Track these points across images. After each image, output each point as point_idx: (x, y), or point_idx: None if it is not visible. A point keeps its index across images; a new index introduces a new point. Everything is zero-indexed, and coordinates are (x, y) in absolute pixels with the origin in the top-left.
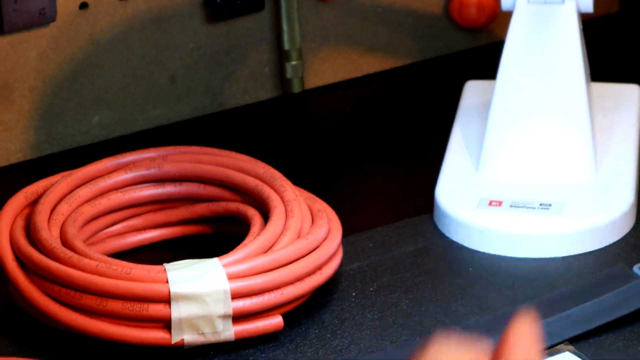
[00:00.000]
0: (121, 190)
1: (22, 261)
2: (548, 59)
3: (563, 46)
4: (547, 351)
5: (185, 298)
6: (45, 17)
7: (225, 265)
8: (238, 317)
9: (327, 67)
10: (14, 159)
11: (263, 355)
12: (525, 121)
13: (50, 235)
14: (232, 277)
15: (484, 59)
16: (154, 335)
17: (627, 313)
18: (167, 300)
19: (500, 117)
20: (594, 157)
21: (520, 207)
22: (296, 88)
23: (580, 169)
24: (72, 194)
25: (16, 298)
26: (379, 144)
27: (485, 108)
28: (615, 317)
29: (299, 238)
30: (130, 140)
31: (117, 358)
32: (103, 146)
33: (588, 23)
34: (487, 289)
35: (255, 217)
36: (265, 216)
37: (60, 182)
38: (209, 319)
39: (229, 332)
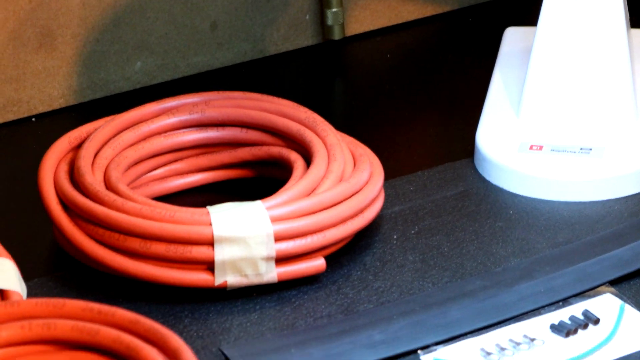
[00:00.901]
0: (164, 134)
1: (66, 205)
2: (589, 5)
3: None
4: (587, 293)
5: (229, 240)
6: None
7: (269, 208)
8: (281, 259)
9: (368, 14)
10: (56, 105)
11: (305, 297)
12: (566, 66)
13: (94, 179)
14: (275, 220)
15: (524, 6)
16: (197, 277)
17: None
18: (210, 242)
19: (541, 62)
20: (634, 101)
21: (561, 151)
22: (337, 35)
23: (621, 114)
24: (115, 138)
25: (60, 241)
26: (419, 90)
27: (525, 54)
28: None
29: (342, 181)
30: (171, 87)
31: (160, 300)
32: (145, 92)
33: None
34: (527, 232)
35: (298, 161)
36: (308, 160)
37: (104, 126)
38: (252, 261)
39: (271, 274)
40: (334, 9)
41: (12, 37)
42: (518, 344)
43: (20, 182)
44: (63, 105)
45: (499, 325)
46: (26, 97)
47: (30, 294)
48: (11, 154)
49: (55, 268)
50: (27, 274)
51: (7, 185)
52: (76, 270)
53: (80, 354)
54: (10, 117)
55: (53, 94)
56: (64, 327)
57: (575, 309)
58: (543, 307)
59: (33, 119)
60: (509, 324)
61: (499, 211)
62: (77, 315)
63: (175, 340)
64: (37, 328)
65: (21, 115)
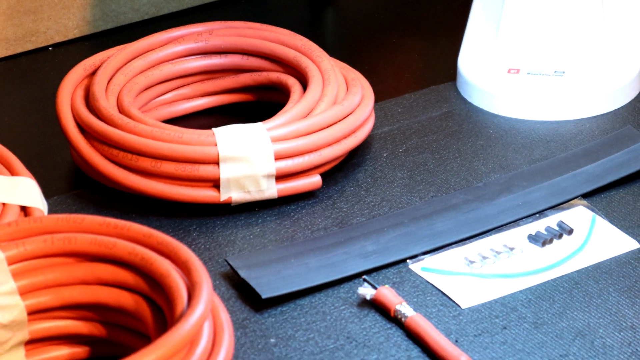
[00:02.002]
0: (171, 62)
1: (83, 128)
2: None
3: None
4: (562, 206)
5: (233, 159)
6: None
7: (269, 129)
8: (280, 177)
9: None
10: (71, 35)
11: (303, 211)
12: None
13: (108, 103)
14: (275, 140)
15: None
16: (205, 193)
17: (636, 170)
18: (216, 161)
19: None
20: (603, 29)
21: (536, 74)
22: None
23: (591, 40)
24: (126, 65)
25: (77, 162)
26: (405, 19)
27: None
28: (624, 175)
29: (335, 104)
30: (177, 17)
31: (170, 215)
32: (152, 23)
33: None
34: (506, 150)
35: (295, 86)
36: (304, 85)
37: (116, 55)
38: (254, 179)
39: (272, 190)
40: None
41: None
42: (498, 252)
43: (39, 107)
44: (77, 36)
45: (481, 236)
46: (43, 28)
47: (51, 210)
48: (30, 82)
49: (73, 187)
50: (47, 193)
51: (27, 110)
52: (92, 188)
53: (99, 265)
54: (29, 46)
55: (68, 25)
56: (83, 241)
57: (551, 221)
58: (521, 218)
59: (50, 48)
60: (490, 234)
61: (479, 130)
62: (95, 230)
63: (185, 252)
64: (58, 242)
65: (39, 45)
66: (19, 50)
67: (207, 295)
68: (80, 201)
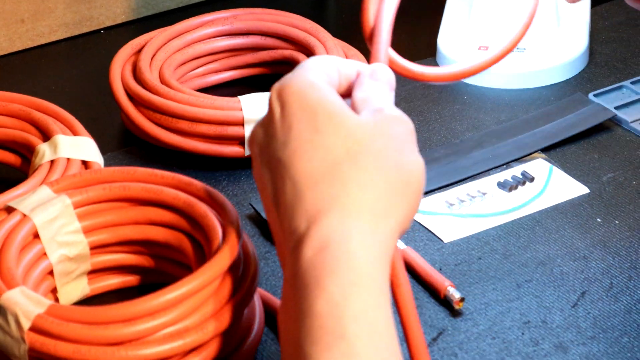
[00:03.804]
0: (203, 42)
1: (131, 96)
2: None
3: None
4: (525, 158)
5: (255, 121)
6: None
7: None
8: None
9: None
10: (119, 20)
11: None
12: None
13: (152, 76)
14: None
15: None
16: (232, 149)
17: (584, 129)
18: (241, 123)
19: None
20: (556, 13)
21: None
22: None
23: (547, 22)
24: (166, 45)
25: (127, 124)
26: None
27: None
28: (575, 132)
29: None
30: (206, 5)
31: (204, 168)
32: (186, 9)
33: None
34: (478, 113)
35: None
36: None
37: (157, 36)
38: None
39: None
40: None
41: None
42: (473, 197)
43: (94, 80)
44: (124, 21)
45: (458, 183)
46: (96, 14)
47: (106, 164)
48: (86, 59)
49: (123, 145)
50: (102, 149)
51: (84, 83)
52: (139, 146)
53: (148, 208)
54: (84, 30)
55: (117, 11)
56: (136, 189)
57: (516, 170)
58: (491, 169)
59: (102, 32)
60: (466, 182)
61: (456, 97)
62: (145, 179)
63: (220, 197)
64: (115, 189)
65: (92, 29)
66: (76, 33)
67: (238, 232)
68: (129, 156)
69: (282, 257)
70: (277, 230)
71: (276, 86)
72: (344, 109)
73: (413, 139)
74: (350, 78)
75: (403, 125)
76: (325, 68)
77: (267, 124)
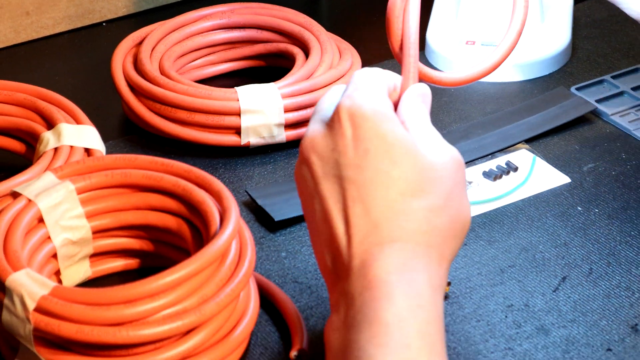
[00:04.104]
0: (201, 34)
1: (132, 86)
2: None
3: None
4: (509, 149)
5: (251, 112)
6: None
7: (279, 88)
8: (288, 125)
9: None
10: (121, 13)
11: None
12: None
13: (152, 67)
14: (284, 97)
15: None
16: (229, 138)
17: (566, 121)
18: (238, 113)
19: None
20: (541, 9)
21: (488, 45)
22: None
23: (532, 18)
24: (166, 37)
25: (128, 113)
26: (384, 0)
27: None
28: (557, 124)
29: (331, 68)
30: None
31: (202, 156)
32: (185, 3)
33: None
34: (464, 105)
35: (299, 54)
36: (306, 53)
37: (157, 29)
38: (268, 127)
39: (282, 136)
40: None
41: None
42: None
43: (96, 71)
44: (125, 14)
45: None
46: (98, 7)
47: (108, 152)
48: (88, 50)
49: (124, 133)
50: (104, 137)
51: (87, 73)
52: (140, 134)
53: (149, 194)
54: (87, 22)
55: (118, 5)
56: (137, 175)
57: (500, 160)
58: (477, 159)
59: (103, 24)
60: None
61: (444, 90)
62: (146, 167)
63: (217, 184)
64: (117, 176)
65: (95, 21)
66: (79, 25)
67: (235, 218)
68: (130, 144)
69: (334, 262)
70: (328, 239)
71: (346, 106)
72: (416, 145)
73: (465, 182)
74: (391, 89)
75: (462, 170)
76: (381, 85)
77: (333, 138)
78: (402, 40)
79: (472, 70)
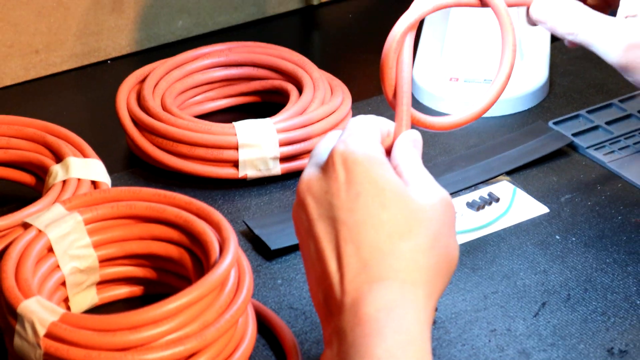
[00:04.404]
0: (201, 72)
1: (136, 121)
2: None
3: None
4: (491, 180)
5: (249, 145)
6: None
7: (275, 123)
8: (283, 159)
9: None
10: (124, 51)
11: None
12: (474, 23)
13: (154, 103)
14: (279, 131)
15: None
16: (227, 171)
17: (545, 154)
18: (236, 147)
19: (457, 20)
20: (520, 47)
21: (471, 81)
22: (315, 1)
23: None
24: (168, 75)
25: (131, 147)
26: (371, 39)
27: (444, 14)
28: (536, 157)
29: (323, 104)
30: (203, 38)
31: (201, 188)
32: (185, 42)
33: None
34: (449, 138)
35: (293, 91)
36: (300, 90)
37: (159, 67)
38: (264, 160)
39: (277, 169)
40: None
41: (94, 4)
42: None
43: (101, 106)
44: (129, 52)
45: None
46: (103, 46)
47: (113, 184)
48: (94, 87)
49: (128, 166)
50: (110, 170)
51: (93, 109)
52: (143, 167)
53: (152, 225)
54: (93, 60)
55: (122, 43)
56: (141, 207)
57: (483, 192)
58: (461, 190)
59: (108, 62)
60: None
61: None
62: (150, 199)
63: (217, 215)
64: (122, 208)
65: (100, 59)
66: (85, 63)
67: (234, 248)
68: (134, 177)
69: (326, 298)
70: (322, 276)
71: (340, 150)
72: (406, 188)
73: (454, 223)
74: (384, 134)
75: (451, 211)
76: (375, 132)
77: (327, 182)
78: (395, 89)
79: (462, 114)
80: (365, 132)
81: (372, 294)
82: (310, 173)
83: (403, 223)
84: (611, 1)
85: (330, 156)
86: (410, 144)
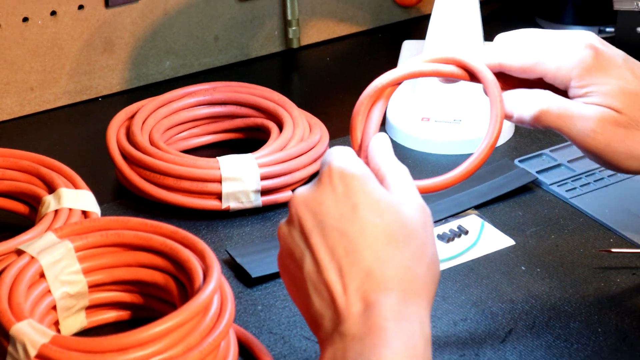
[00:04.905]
0: (187, 109)
1: (125, 155)
2: (458, 29)
3: (465, 25)
4: (460, 214)
5: (231, 179)
6: None
7: (256, 158)
8: (264, 192)
9: (315, 32)
10: (115, 89)
11: (280, 216)
12: None
13: (143, 138)
14: (260, 166)
15: (416, 26)
16: (211, 203)
17: (511, 190)
18: (219, 180)
19: None
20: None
21: (441, 121)
22: (295, 45)
23: (478, 98)
24: (155, 112)
25: (121, 180)
26: (347, 81)
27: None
28: (503, 192)
29: (302, 141)
30: (189, 78)
31: (186, 218)
32: (172, 82)
33: None
34: (420, 175)
35: (274, 128)
36: (280, 127)
37: (148, 104)
38: (246, 193)
39: (258, 201)
40: (294, 28)
41: (86, 45)
42: None
43: (92, 141)
44: (119, 90)
45: None
46: (95, 84)
47: (102, 214)
48: (86, 123)
49: (117, 197)
50: (99, 200)
51: (84, 143)
52: (131, 199)
53: (139, 253)
54: (85, 97)
55: (112, 82)
56: (129, 235)
57: (452, 225)
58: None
59: (99, 99)
60: None
61: (401, 161)
62: (137, 228)
63: (201, 244)
64: (111, 236)
65: (92, 97)
66: (78, 100)
67: (217, 275)
68: (122, 207)
69: (325, 309)
70: (322, 286)
71: (337, 166)
72: (395, 200)
73: (433, 230)
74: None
75: (430, 219)
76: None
77: (322, 195)
78: (360, 146)
79: (448, 175)
80: (351, 153)
81: (380, 303)
82: (305, 189)
83: (397, 232)
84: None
85: (328, 171)
86: (384, 144)
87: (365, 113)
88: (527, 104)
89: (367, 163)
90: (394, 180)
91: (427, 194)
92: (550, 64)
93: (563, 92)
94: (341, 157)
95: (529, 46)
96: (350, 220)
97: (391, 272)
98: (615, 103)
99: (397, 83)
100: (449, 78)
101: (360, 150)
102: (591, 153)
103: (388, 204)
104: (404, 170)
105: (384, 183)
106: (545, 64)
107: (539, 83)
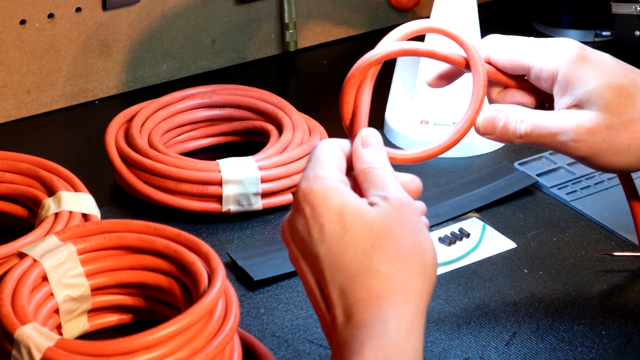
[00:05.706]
0: (185, 112)
1: (124, 158)
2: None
3: (462, 28)
4: (461, 217)
5: (232, 182)
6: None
7: (256, 161)
8: (264, 194)
9: (312, 35)
10: (112, 92)
11: (280, 219)
12: None
13: (142, 141)
14: (260, 169)
15: None
16: (212, 206)
17: (511, 193)
18: (220, 183)
19: (426, 66)
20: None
21: (440, 124)
22: (292, 48)
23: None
24: (154, 114)
25: (120, 183)
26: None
27: (415, 60)
28: (503, 195)
29: (302, 144)
30: (186, 81)
31: (186, 221)
32: (169, 85)
33: None
34: (420, 177)
35: (273, 131)
36: (280, 130)
37: (146, 107)
38: (246, 196)
39: (258, 204)
40: (291, 31)
41: (83, 47)
42: None
43: (90, 143)
44: (116, 93)
45: None
46: (91, 87)
47: (102, 217)
48: (83, 125)
49: (116, 200)
50: (98, 203)
51: (82, 146)
52: (130, 202)
53: (142, 256)
54: (81, 100)
55: (109, 85)
56: (132, 238)
57: (454, 228)
58: (433, 226)
59: (96, 102)
60: None
61: (401, 165)
62: (140, 230)
63: (205, 246)
64: (114, 239)
65: (88, 99)
66: (75, 103)
67: (222, 278)
68: (121, 211)
69: (328, 329)
70: (314, 305)
71: (302, 189)
72: (363, 206)
73: (419, 217)
74: (347, 152)
75: (409, 208)
76: (333, 155)
77: (299, 221)
78: (352, 119)
79: (432, 145)
80: (323, 161)
81: (353, 312)
82: (286, 217)
83: (365, 240)
84: (544, 98)
85: (295, 195)
86: (365, 142)
87: (356, 86)
88: (509, 126)
89: (354, 160)
90: (369, 180)
91: (427, 197)
92: (537, 57)
93: (548, 96)
94: (308, 175)
95: (518, 42)
96: (319, 241)
97: (365, 282)
98: (600, 101)
99: (385, 59)
100: (438, 77)
101: (352, 130)
102: (579, 159)
103: (354, 214)
104: (380, 167)
105: (364, 185)
106: (533, 57)
107: (524, 87)
